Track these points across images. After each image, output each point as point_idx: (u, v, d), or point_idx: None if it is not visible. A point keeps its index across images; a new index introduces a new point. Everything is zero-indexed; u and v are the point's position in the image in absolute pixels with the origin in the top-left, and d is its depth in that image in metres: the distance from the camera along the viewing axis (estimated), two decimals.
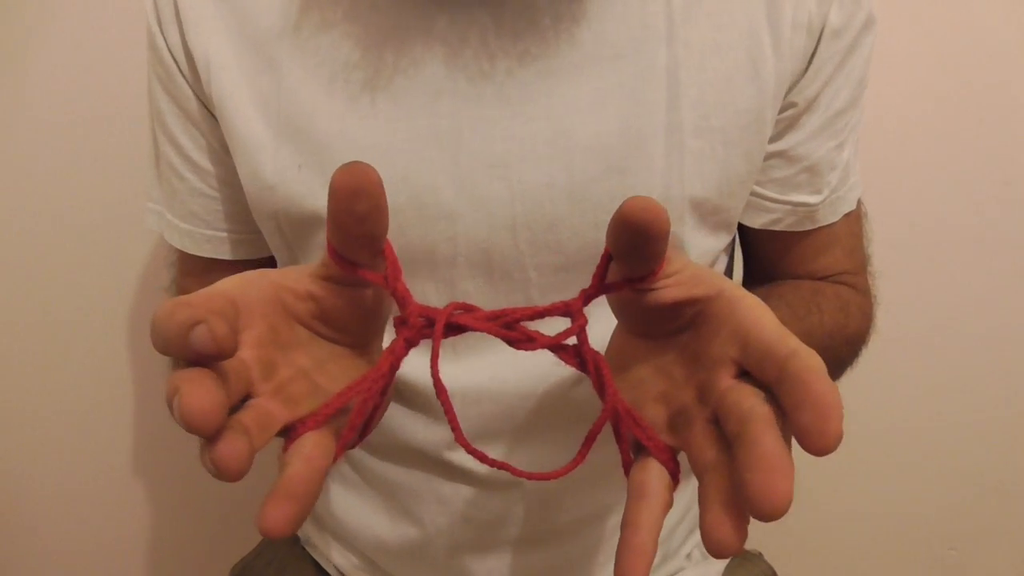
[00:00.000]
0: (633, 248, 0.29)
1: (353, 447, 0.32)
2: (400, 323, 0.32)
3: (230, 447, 0.26)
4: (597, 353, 0.33)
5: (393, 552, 0.56)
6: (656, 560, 0.58)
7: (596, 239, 0.47)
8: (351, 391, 0.31)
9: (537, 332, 0.33)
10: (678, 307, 0.32)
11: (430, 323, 0.32)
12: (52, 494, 0.89)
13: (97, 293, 0.84)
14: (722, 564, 0.60)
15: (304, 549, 0.64)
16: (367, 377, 0.31)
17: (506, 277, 0.48)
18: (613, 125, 0.46)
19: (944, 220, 0.85)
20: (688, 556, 0.60)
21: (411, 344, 0.32)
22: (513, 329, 0.33)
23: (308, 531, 0.63)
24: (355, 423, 0.31)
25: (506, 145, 0.46)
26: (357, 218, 0.30)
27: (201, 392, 0.25)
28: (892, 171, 0.83)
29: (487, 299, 0.49)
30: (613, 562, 0.60)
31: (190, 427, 0.25)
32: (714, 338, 0.31)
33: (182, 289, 0.61)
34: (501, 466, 0.34)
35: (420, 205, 0.47)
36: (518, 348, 0.33)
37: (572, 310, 0.33)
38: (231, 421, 0.27)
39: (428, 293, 0.49)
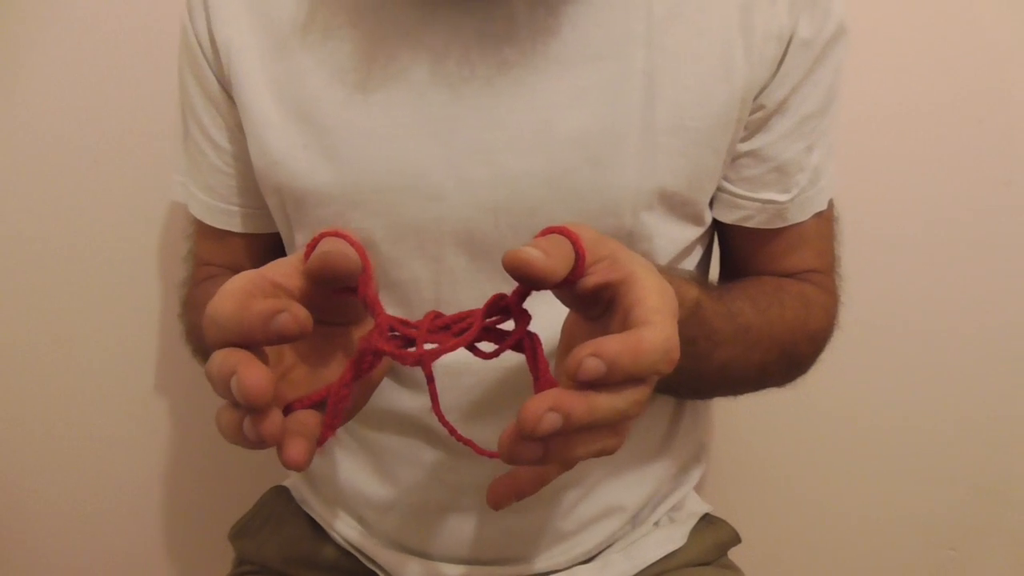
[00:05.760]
0: (533, 285, 0.33)
1: (334, 432, 0.36)
2: (366, 343, 0.35)
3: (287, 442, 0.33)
4: (534, 335, 0.37)
5: (375, 507, 0.60)
6: (626, 529, 0.61)
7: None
8: (325, 391, 0.36)
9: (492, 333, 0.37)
10: (597, 291, 0.35)
11: (403, 340, 0.36)
12: (47, 484, 0.90)
13: (96, 295, 0.85)
14: (687, 527, 0.63)
15: (298, 505, 0.67)
16: (340, 380, 0.35)
17: (488, 257, 0.52)
18: (591, 121, 0.50)
19: (944, 221, 0.85)
20: (656, 524, 0.62)
21: (378, 358, 0.36)
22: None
23: (302, 491, 0.67)
24: (331, 422, 0.35)
25: (493, 133, 0.50)
26: (335, 287, 0.36)
27: (257, 371, 0.29)
28: (892, 172, 0.84)
29: (471, 277, 0.53)
30: (578, 530, 0.62)
31: (249, 400, 0.29)
32: (619, 316, 0.34)
33: (198, 258, 0.66)
34: (467, 442, 0.37)
35: (412, 187, 0.51)
36: (479, 356, 0.37)
37: (510, 306, 0.36)
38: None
39: (417, 270, 0.53)
